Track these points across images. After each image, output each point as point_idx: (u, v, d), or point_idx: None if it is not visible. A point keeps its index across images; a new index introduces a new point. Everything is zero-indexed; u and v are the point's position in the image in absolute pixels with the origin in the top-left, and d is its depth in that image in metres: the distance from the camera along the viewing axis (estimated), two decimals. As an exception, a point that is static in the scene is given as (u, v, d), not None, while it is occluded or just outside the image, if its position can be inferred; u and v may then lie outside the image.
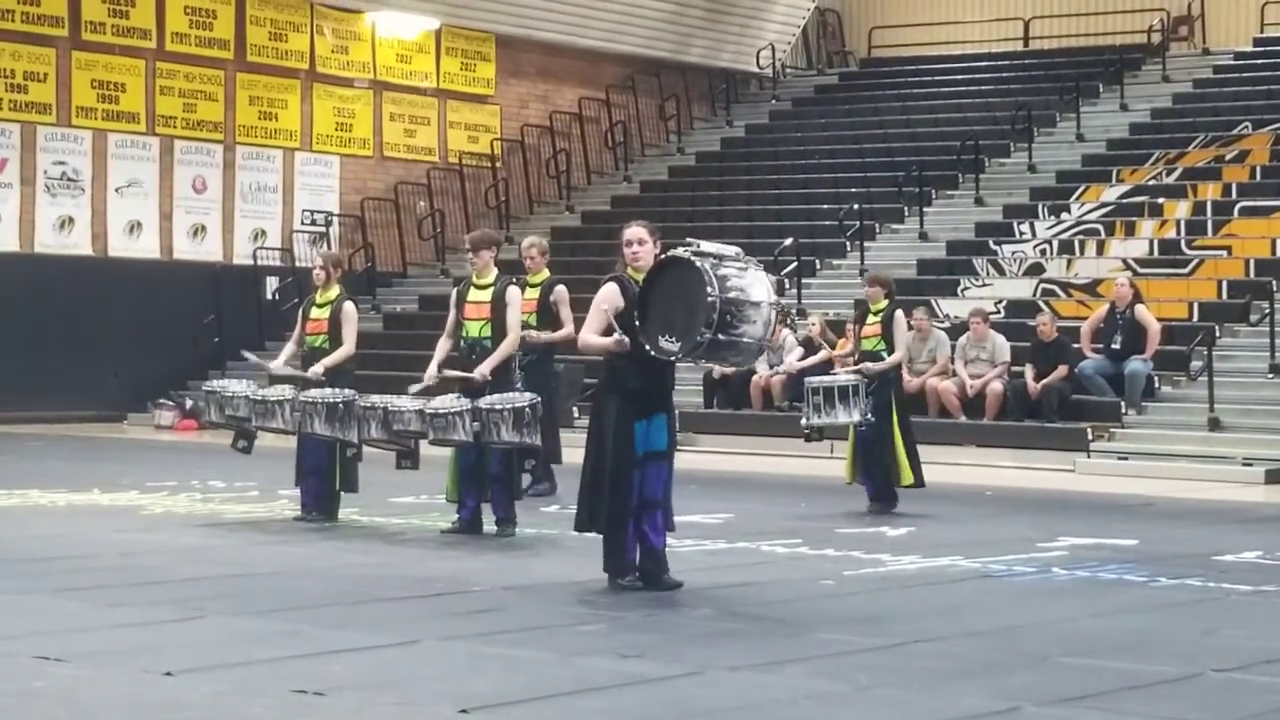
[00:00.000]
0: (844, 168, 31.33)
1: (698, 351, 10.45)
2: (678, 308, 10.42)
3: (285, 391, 14.26)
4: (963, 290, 25.85)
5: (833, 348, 23.44)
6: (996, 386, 22.21)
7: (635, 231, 11.06)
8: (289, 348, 14.84)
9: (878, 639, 9.31)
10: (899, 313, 16.10)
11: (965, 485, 19.02)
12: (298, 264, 29.17)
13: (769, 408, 23.64)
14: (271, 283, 29.65)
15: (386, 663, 8.59)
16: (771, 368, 23.69)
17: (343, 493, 14.42)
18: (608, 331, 10.69)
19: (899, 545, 13.54)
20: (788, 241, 27.21)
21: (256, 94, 30.08)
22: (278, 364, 14.88)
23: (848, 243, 28.13)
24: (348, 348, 14.38)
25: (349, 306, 14.48)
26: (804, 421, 15.93)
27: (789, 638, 9.35)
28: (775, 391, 23.56)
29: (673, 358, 10.54)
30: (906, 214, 28.91)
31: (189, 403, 26.66)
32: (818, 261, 27.90)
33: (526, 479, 14.47)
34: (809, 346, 23.70)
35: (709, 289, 10.20)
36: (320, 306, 14.51)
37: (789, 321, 24.54)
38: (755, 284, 10.46)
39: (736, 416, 23.77)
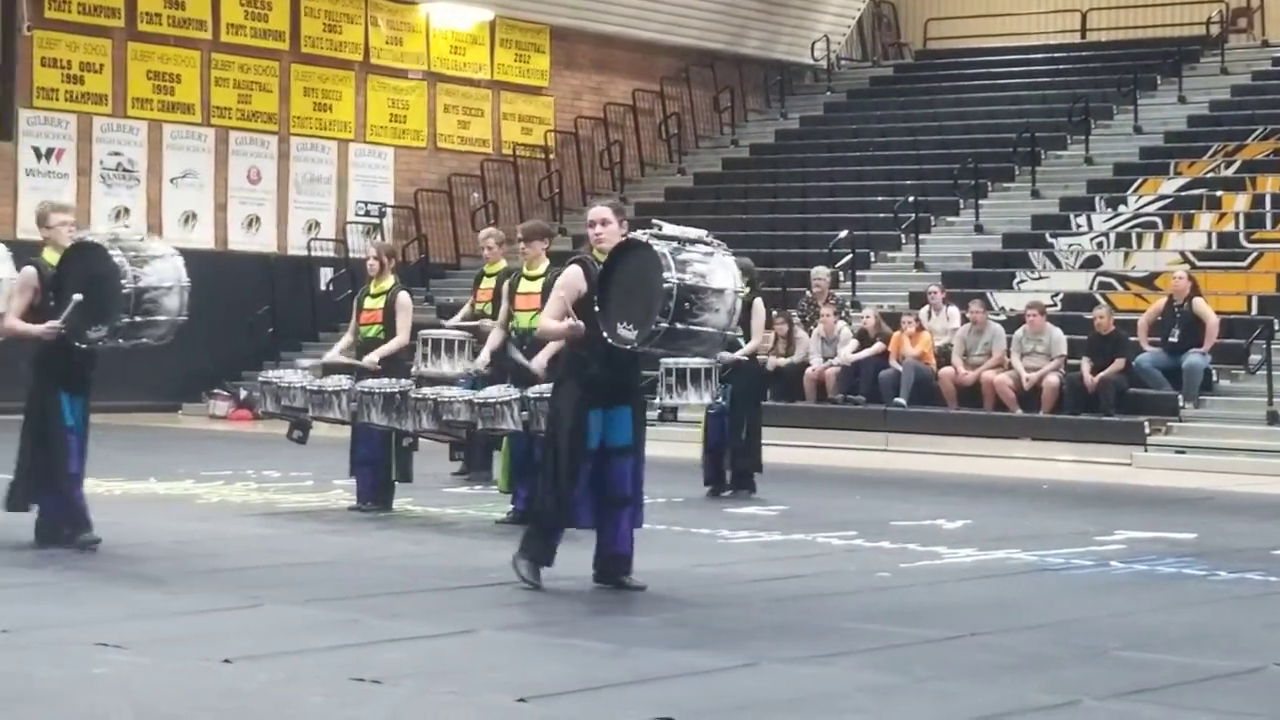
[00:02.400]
0: (899, 160, 31.23)
1: (654, 340, 9.89)
2: (637, 294, 9.90)
3: (341, 382, 14.28)
4: (1019, 283, 25.74)
5: (887, 341, 23.42)
6: (1053, 380, 22.10)
7: (599, 211, 10.47)
8: (345, 338, 14.87)
9: (934, 632, 9.26)
10: (759, 301, 15.99)
11: (1021, 479, 18.95)
12: (351, 255, 29.22)
13: (823, 400, 23.58)
14: (325, 274, 29.72)
15: (442, 652, 8.59)
16: (826, 360, 23.63)
17: (397, 483, 14.44)
18: (575, 307, 10.22)
19: (955, 538, 13.48)
20: (842, 234, 27.16)
21: (311, 85, 30.15)
22: (332, 354, 14.92)
23: (902, 235, 28.04)
24: (401, 338, 14.39)
25: (403, 297, 14.48)
26: (657, 401, 15.66)
27: (844, 630, 9.31)
28: (829, 384, 23.49)
29: (630, 346, 10.01)
30: (962, 206, 28.80)
31: (243, 393, 26.75)
32: (872, 254, 27.82)
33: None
34: (864, 339, 23.64)
35: (666, 274, 9.71)
36: (374, 297, 14.52)
37: (844, 314, 24.49)
38: (719, 270, 9.94)
39: (790, 409, 23.69)
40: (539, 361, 13.09)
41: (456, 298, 30.00)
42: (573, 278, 10.31)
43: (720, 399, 15.59)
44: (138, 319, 11.45)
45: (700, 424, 16.41)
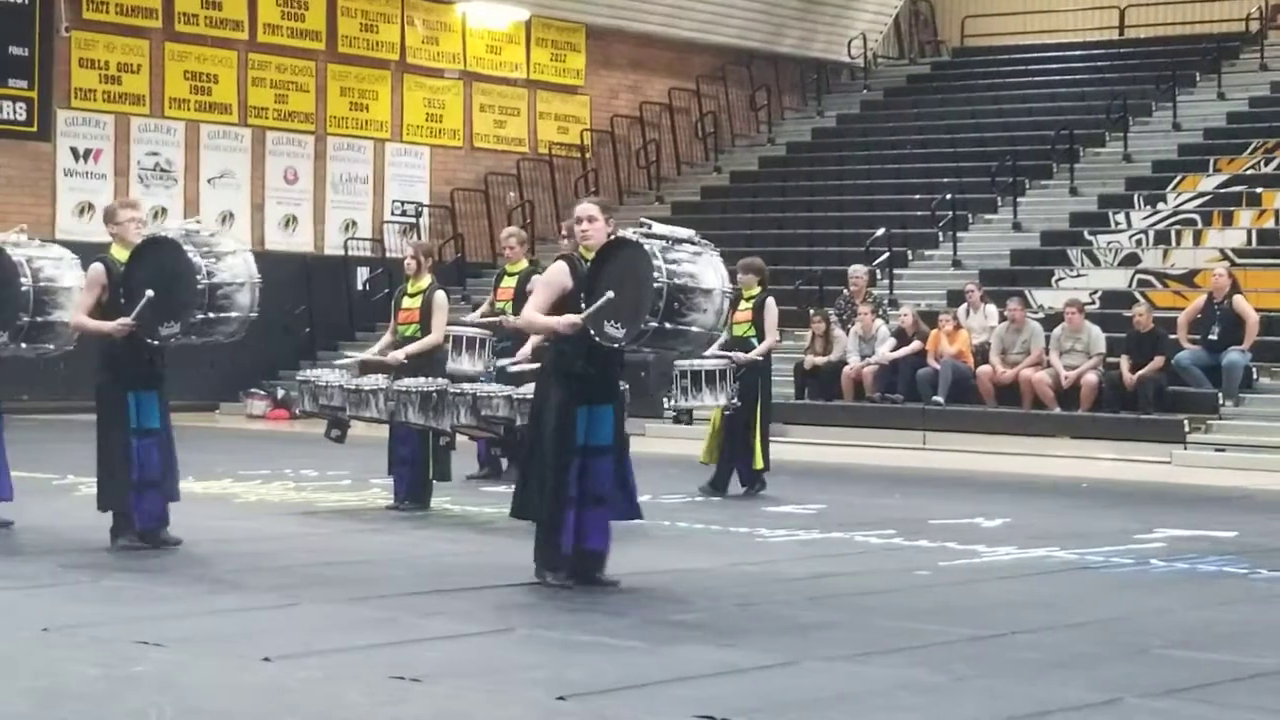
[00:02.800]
0: (936, 158, 31.14)
1: (643, 339, 9.91)
2: (625, 292, 9.88)
3: (379, 380, 14.28)
4: (1057, 281, 25.65)
5: (925, 339, 23.36)
6: (1091, 378, 22.01)
7: (585, 208, 10.44)
8: (384, 338, 14.88)
9: (975, 630, 9.23)
10: (770, 300, 15.93)
11: (1061, 477, 18.88)
12: (388, 254, 29.26)
13: (860, 398, 23.53)
14: (362, 273, 29.78)
15: (481, 650, 8.57)
16: (864, 358, 23.58)
17: (435, 482, 14.44)
18: (553, 311, 10.18)
19: (994, 536, 13.43)
20: (879, 232, 27.11)
21: (348, 85, 30.20)
22: (369, 352, 14.93)
23: (940, 233, 27.97)
24: (434, 336, 14.38)
25: (439, 295, 14.49)
26: (670, 404, 15.59)
27: (884, 628, 9.27)
28: (867, 382, 23.44)
29: (617, 344, 10.01)
30: (1000, 204, 28.70)
31: (281, 392, 26.80)
32: (910, 252, 27.76)
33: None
34: (901, 337, 23.58)
35: (655, 274, 9.72)
36: (412, 296, 14.53)
37: (881, 312, 24.43)
38: (707, 270, 9.97)
39: (828, 407, 23.67)
40: (524, 353, 13.08)
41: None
42: (557, 274, 10.28)
43: (736, 400, 15.51)
44: (211, 315, 11.44)
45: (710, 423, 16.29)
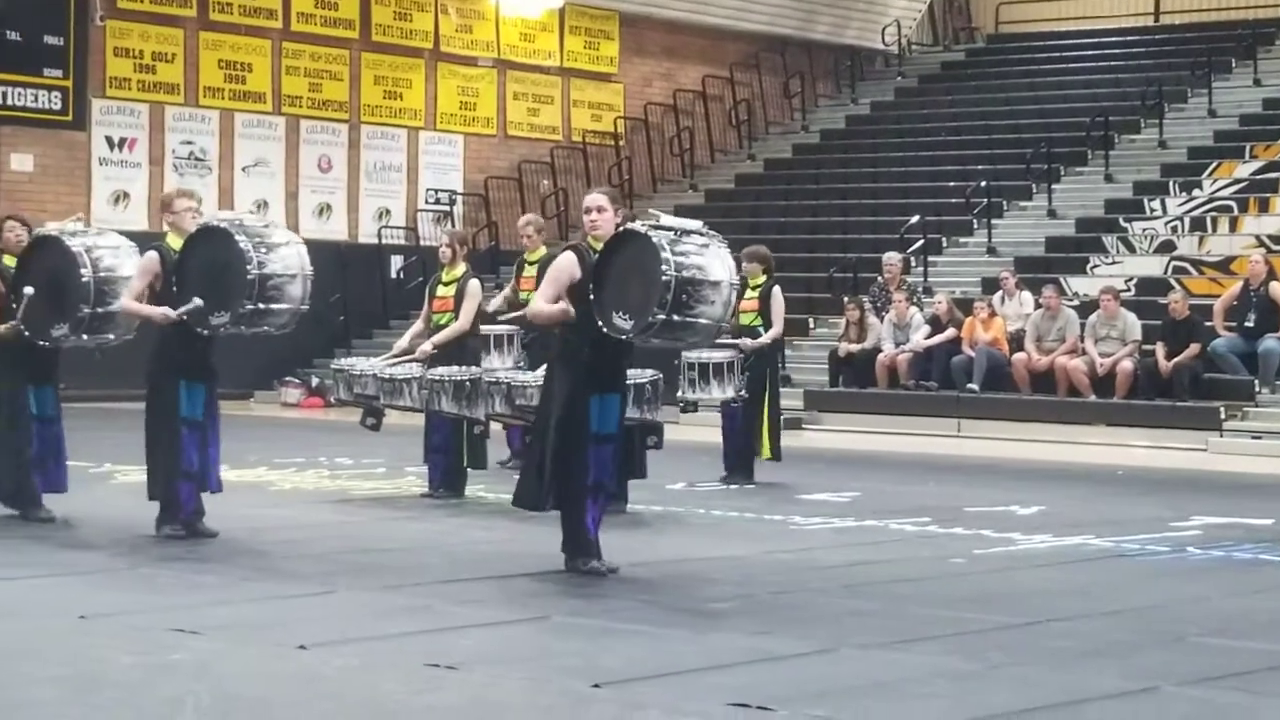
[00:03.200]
0: (971, 145, 31.04)
1: (650, 331, 9.92)
2: (633, 284, 9.92)
3: (413, 369, 14.29)
4: (1092, 268, 25.57)
5: (959, 326, 23.30)
6: (1127, 365, 21.94)
7: (594, 199, 10.46)
8: (416, 325, 14.87)
9: (1010, 618, 9.21)
10: (777, 289, 15.82)
11: (1096, 464, 18.83)
12: (422, 243, 29.29)
13: (894, 386, 23.49)
14: (396, 261, 29.82)
15: (517, 638, 8.58)
16: (898, 346, 23.54)
17: (470, 470, 14.45)
18: (568, 294, 10.23)
19: (1029, 524, 13.40)
20: (914, 219, 27.05)
21: (381, 73, 30.22)
22: (402, 342, 14.90)
23: (974, 220, 27.89)
24: (462, 323, 14.36)
25: (473, 284, 14.47)
26: (679, 395, 15.42)
27: (920, 616, 9.25)
28: (901, 370, 23.40)
29: (625, 336, 10.04)
30: (1034, 191, 28.61)
31: (315, 380, 26.86)
32: (944, 239, 27.69)
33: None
34: (936, 324, 23.54)
35: (664, 266, 9.74)
36: (446, 284, 14.53)
37: (915, 299, 24.39)
38: (715, 262, 9.98)
39: (862, 395, 23.64)
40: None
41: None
42: (566, 264, 10.31)
43: (744, 392, 15.43)
44: (261, 306, 11.44)
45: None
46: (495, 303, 16.53)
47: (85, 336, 12.18)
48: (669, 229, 10.06)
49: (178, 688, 7.24)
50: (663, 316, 9.80)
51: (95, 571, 10.41)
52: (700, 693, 7.31)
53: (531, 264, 16.07)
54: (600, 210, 10.38)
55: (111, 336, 12.28)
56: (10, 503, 12.45)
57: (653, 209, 10.97)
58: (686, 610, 9.35)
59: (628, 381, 12.91)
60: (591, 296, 10.05)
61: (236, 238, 11.38)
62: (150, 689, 7.24)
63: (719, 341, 14.92)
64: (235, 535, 11.73)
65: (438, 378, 14.01)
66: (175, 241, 11.68)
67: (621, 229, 10.25)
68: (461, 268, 14.53)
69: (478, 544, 11.75)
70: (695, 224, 10.22)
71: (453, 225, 29.26)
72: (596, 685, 7.36)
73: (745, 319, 15.61)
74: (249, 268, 11.29)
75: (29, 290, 12.04)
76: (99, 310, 12.00)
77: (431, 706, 7.09)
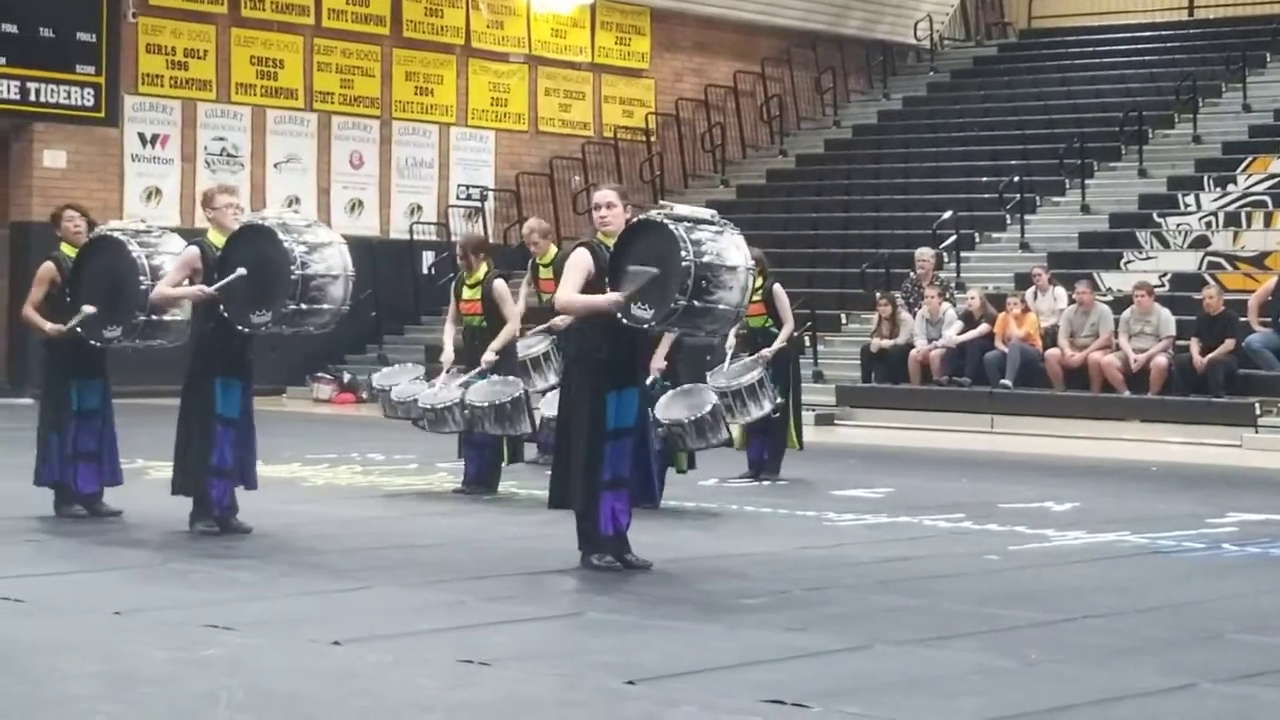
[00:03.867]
0: (1003, 140, 30.96)
1: (672, 319, 9.98)
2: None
3: (453, 394, 14.19)
4: (1126, 263, 25.48)
5: (992, 322, 23.24)
6: (1161, 361, 21.87)
7: (604, 195, 10.53)
8: (449, 328, 14.76)
9: (1046, 614, 9.17)
10: (777, 286, 15.75)
11: (1130, 460, 18.77)
12: (453, 238, 29.22)
13: (927, 382, 23.44)
14: (427, 257, 29.82)
15: (550, 634, 8.57)
16: (931, 341, 23.48)
17: (509, 464, 14.46)
18: (584, 291, 10.23)
19: (1064, 520, 13.36)
20: (946, 215, 26.98)
21: (413, 69, 30.23)
22: (448, 353, 14.73)
23: (1007, 216, 27.81)
24: (512, 325, 14.34)
25: (499, 285, 14.38)
26: (724, 436, 14.90)
27: (955, 612, 9.22)
28: (934, 365, 23.35)
29: (646, 325, 10.09)
30: (1067, 186, 28.52)
31: (347, 376, 26.89)
32: (977, 235, 27.62)
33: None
34: (969, 320, 23.47)
35: (683, 253, 9.77)
36: (471, 287, 14.48)
37: (948, 295, 24.32)
38: (731, 248, 10.02)
39: (895, 390, 23.58)
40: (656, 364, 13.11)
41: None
42: (582, 259, 10.33)
43: (779, 399, 15.37)
44: (303, 306, 11.42)
45: None
46: (519, 306, 16.51)
47: (137, 341, 12.20)
48: (683, 218, 10.07)
49: (212, 683, 7.23)
50: (684, 303, 9.83)
51: (129, 567, 10.42)
52: (734, 689, 7.29)
53: (546, 266, 16.04)
54: (610, 206, 10.44)
55: (164, 342, 12.29)
56: (53, 491, 12.48)
57: (665, 200, 10.92)
58: (720, 606, 9.33)
59: (691, 418, 12.98)
60: (608, 290, 10.04)
61: (281, 237, 11.37)
62: (184, 684, 7.24)
63: (739, 363, 14.96)
64: (268, 531, 11.74)
65: (478, 405, 13.95)
66: (216, 238, 11.68)
67: (637, 219, 10.27)
68: (483, 269, 14.47)
69: (511, 540, 11.74)
70: (708, 212, 10.26)
71: (472, 225, 29.30)
72: (630, 682, 7.34)
73: (756, 322, 15.57)
74: (292, 268, 11.27)
75: (89, 310, 12.03)
76: (153, 318, 12.01)
77: (465, 703, 7.07)
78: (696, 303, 9.87)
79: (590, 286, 10.24)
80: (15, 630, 8.35)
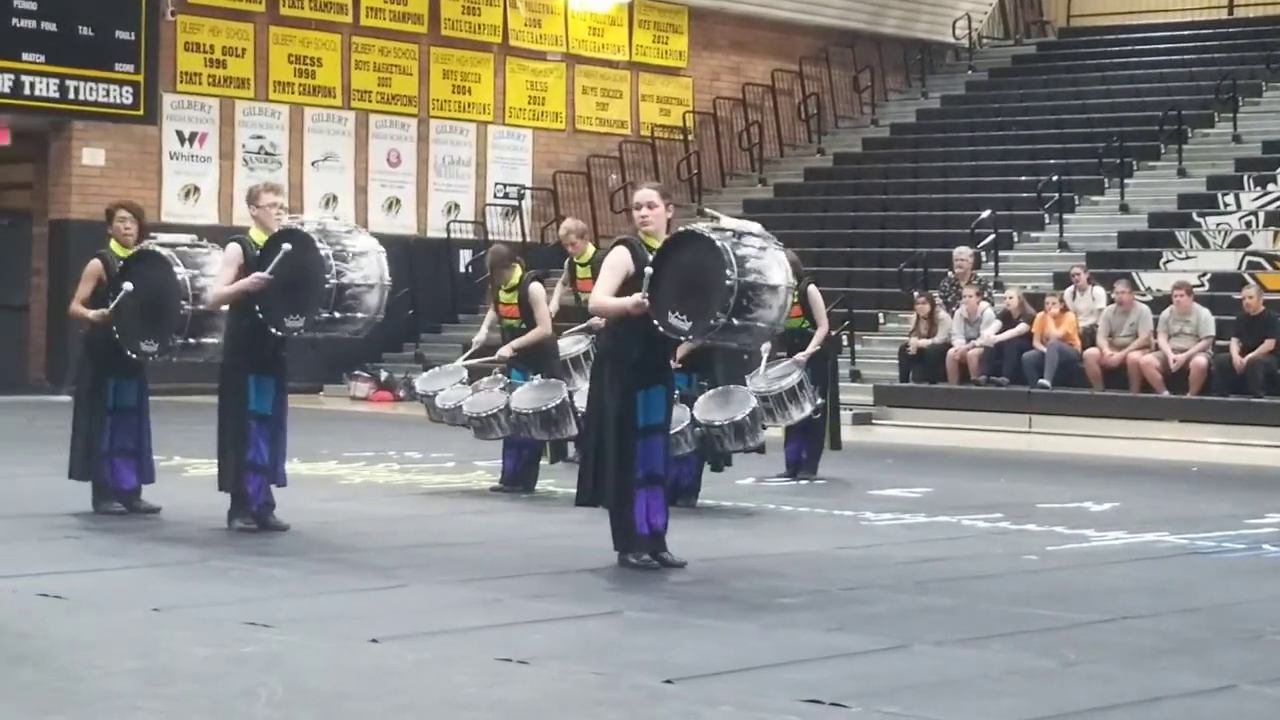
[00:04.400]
0: (1042, 139, 30.87)
1: (710, 334, 10.03)
2: (694, 286, 9.94)
3: (497, 400, 14.19)
4: (1165, 263, 25.39)
5: (1031, 322, 23.17)
6: (1200, 361, 21.78)
7: (646, 194, 10.48)
8: (490, 315, 14.81)
9: (1085, 615, 9.14)
10: (813, 287, 15.69)
11: (1169, 461, 18.70)
12: (490, 237, 29.27)
13: (965, 381, 23.38)
14: (464, 256, 29.85)
15: (588, 633, 8.56)
16: (969, 341, 23.42)
17: (549, 463, 14.46)
18: (620, 293, 10.23)
19: (1103, 520, 13.31)
20: (985, 214, 26.92)
21: (450, 68, 30.26)
22: (479, 337, 14.78)
23: (1046, 215, 27.74)
24: (542, 328, 14.34)
25: (534, 289, 14.38)
26: (758, 442, 14.81)
27: (993, 613, 9.20)
28: (972, 365, 23.28)
29: (683, 338, 10.20)
30: (1107, 185, 28.43)
31: (384, 374, 26.92)
32: (1015, 234, 27.55)
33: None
34: (1007, 319, 23.41)
35: (728, 271, 9.75)
36: (508, 291, 14.48)
37: (986, 294, 24.26)
38: (774, 266, 10.00)
39: (933, 390, 23.53)
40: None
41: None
42: (621, 258, 10.31)
43: (820, 399, 15.31)
44: (336, 315, 11.43)
45: None
46: (552, 305, 16.52)
47: (173, 360, 12.24)
48: (728, 230, 10.06)
49: (250, 680, 7.24)
50: (724, 320, 9.84)
51: (168, 564, 10.44)
52: (772, 689, 7.27)
53: (584, 265, 16.05)
54: (651, 205, 10.41)
55: (199, 360, 12.31)
56: (87, 482, 12.51)
57: (710, 208, 10.91)
58: (757, 606, 9.31)
59: (729, 420, 12.97)
60: (646, 295, 10.03)
61: (318, 244, 11.35)
62: (223, 681, 7.25)
63: (778, 365, 14.94)
64: (306, 529, 11.76)
65: (524, 411, 13.95)
66: (258, 235, 11.69)
67: (683, 230, 10.23)
68: (517, 273, 14.47)
69: (548, 538, 11.74)
70: (754, 226, 10.24)
71: (520, 220, 29.24)
72: (668, 681, 7.33)
73: (792, 323, 15.51)
74: (327, 276, 11.27)
75: (128, 286, 12.06)
76: (190, 341, 12.05)
77: (503, 700, 7.07)
78: (735, 320, 9.88)
79: (627, 286, 10.22)
80: (55, 626, 8.38)
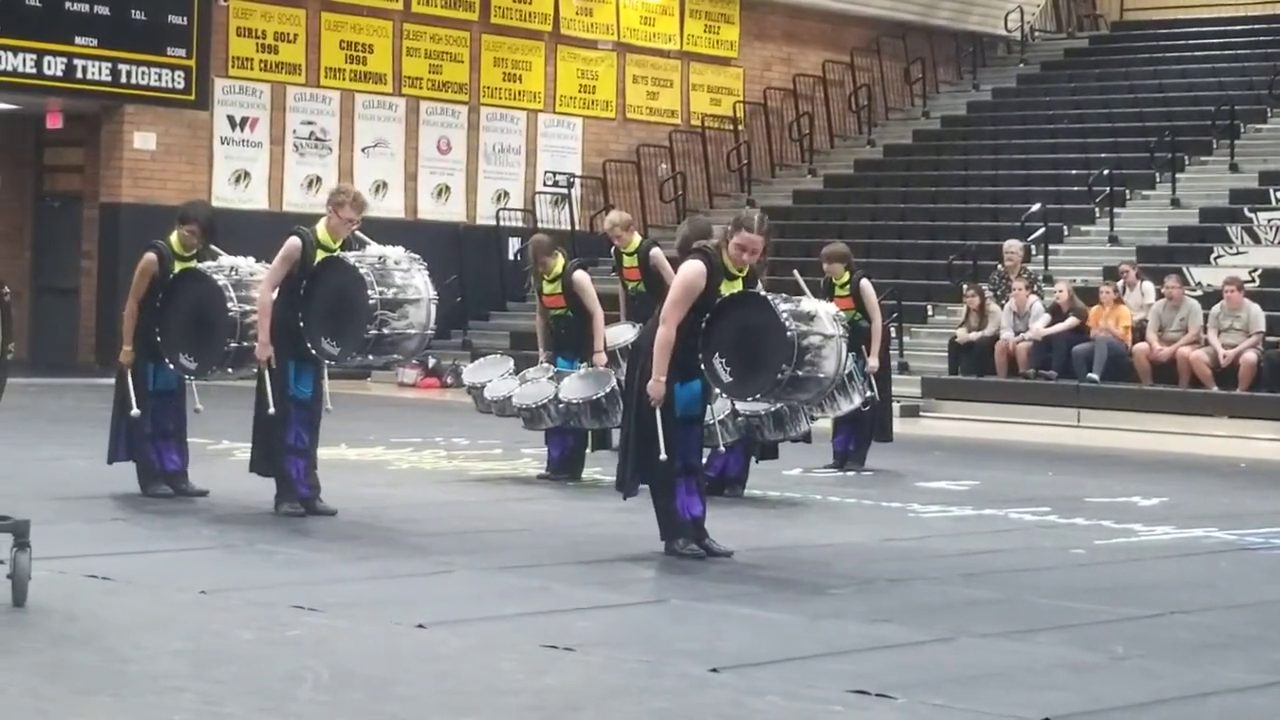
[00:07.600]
0: (1093, 133, 30.74)
1: (764, 394, 10.38)
2: (747, 345, 10.09)
3: (546, 390, 14.18)
4: (1216, 258, 25.25)
5: (1081, 316, 23.08)
6: (1251, 356, 21.67)
7: (753, 240, 10.20)
8: (540, 322, 14.79)
9: (1132, 609, 9.11)
10: (865, 281, 15.63)
11: (1218, 456, 18.61)
12: (540, 225, 29.29)
13: (1014, 374, 23.29)
14: (514, 243, 29.83)
15: (634, 621, 8.57)
16: (1018, 334, 23.34)
17: (594, 450, 14.45)
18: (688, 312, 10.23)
19: (1151, 515, 13.25)
20: (1035, 207, 26.81)
21: (501, 55, 30.27)
22: (545, 362, 14.76)
23: (1096, 209, 27.60)
24: (599, 316, 14.33)
25: (579, 277, 14.36)
26: (806, 428, 14.75)
27: (1040, 606, 9.17)
28: (1021, 358, 23.20)
29: (719, 389, 10.37)
30: (1158, 180, 28.27)
31: (432, 361, 26.95)
32: (1065, 227, 27.42)
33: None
34: (1056, 313, 23.32)
35: (786, 355, 9.93)
36: (551, 282, 14.47)
37: (1036, 288, 24.16)
38: (823, 314, 10.20)
39: (981, 383, 23.45)
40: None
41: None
42: (694, 276, 10.21)
43: (870, 393, 15.23)
44: (370, 358, 11.81)
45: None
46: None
47: (230, 370, 12.32)
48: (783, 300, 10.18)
49: (297, 663, 7.27)
50: (788, 373, 9.97)
51: (216, 547, 10.48)
52: (819, 679, 7.26)
53: (630, 255, 16.03)
54: (754, 253, 10.27)
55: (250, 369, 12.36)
56: (137, 469, 12.56)
57: (797, 270, 11.02)
58: (803, 596, 9.31)
59: (770, 410, 12.95)
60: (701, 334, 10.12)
61: (369, 291, 11.23)
62: (270, 664, 7.27)
63: None
64: (353, 514, 11.78)
65: (574, 402, 13.95)
66: (324, 235, 11.66)
67: (746, 291, 10.28)
68: (559, 263, 14.46)
69: (595, 526, 11.74)
70: (830, 307, 10.50)
71: (570, 209, 29.23)
72: (714, 669, 7.33)
73: (845, 315, 15.48)
74: (369, 326, 11.27)
75: (135, 413, 12.20)
76: (229, 370, 12.16)
77: (549, 687, 7.08)
78: (788, 389, 10.18)
79: (696, 304, 10.18)
80: (103, 608, 8.42)
